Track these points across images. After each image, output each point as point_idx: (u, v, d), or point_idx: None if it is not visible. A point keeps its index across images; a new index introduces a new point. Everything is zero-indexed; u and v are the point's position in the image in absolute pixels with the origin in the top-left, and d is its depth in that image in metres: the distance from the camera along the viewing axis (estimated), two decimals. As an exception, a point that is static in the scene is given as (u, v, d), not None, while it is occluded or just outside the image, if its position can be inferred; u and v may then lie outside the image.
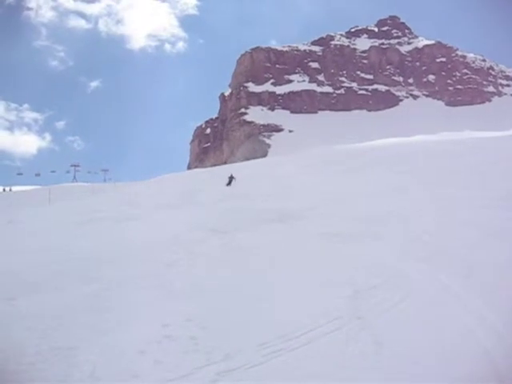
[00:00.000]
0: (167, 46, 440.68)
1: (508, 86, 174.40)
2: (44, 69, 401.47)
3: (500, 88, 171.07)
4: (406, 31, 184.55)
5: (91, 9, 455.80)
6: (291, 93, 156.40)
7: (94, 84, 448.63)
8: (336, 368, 6.59)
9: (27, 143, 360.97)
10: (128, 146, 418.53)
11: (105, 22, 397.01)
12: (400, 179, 25.70)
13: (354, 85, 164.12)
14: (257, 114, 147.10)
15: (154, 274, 11.81)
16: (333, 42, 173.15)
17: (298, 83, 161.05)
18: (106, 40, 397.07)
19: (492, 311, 7.98)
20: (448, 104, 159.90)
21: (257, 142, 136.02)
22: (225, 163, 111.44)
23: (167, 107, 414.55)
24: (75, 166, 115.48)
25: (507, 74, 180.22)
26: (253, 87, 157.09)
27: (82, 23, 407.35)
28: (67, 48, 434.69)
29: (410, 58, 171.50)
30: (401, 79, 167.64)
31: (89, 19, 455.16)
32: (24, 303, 9.81)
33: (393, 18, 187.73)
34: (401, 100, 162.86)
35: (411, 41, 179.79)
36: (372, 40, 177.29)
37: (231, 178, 38.13)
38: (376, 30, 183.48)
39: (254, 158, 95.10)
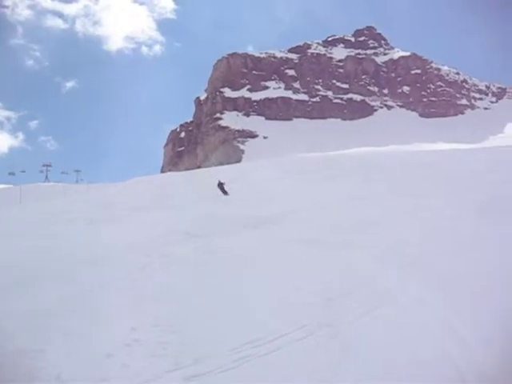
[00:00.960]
0: (144, 49, 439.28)
1: (481, 99, 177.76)
2: (19, 68, 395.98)
3: (473, 101, 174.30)
4: (383, 42, 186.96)
5: (68, 9, 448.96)
6: (267, 99, 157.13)
7: (69, 84, 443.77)
8: (305, 374, 6.58)
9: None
10: (102, 147, 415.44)
11: (82, 22, 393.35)
12: (376, 188, 25.85)
13: (330, 93, 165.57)
14: (232, 120, 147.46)
15: (126, 277, 11.68)
16: (309, 50, 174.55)
17: (274, 90, 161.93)
18: (83, 40, 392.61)
19: (461, 322, 8.02)
20: (422, 115, 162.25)
21: (231, 148, 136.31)
22: (199, 167, 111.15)
23: (142, 110, 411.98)
24: (47, 165, 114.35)
25: (480, 87, 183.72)
26: (229, 92, 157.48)
27: (58, 23, 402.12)
28: (43, 47, 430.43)
29: (385, 69, 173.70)
30: (376, 89, 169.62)
31: (66, 19, 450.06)
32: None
33: (369, 28, 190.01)
34: (375, 110, 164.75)
35: (387, 52, 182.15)
36: (348, 49, 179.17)
37: (221, 185, 31.42)
38: (353, 39, 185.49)
39: (228, 163, 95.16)
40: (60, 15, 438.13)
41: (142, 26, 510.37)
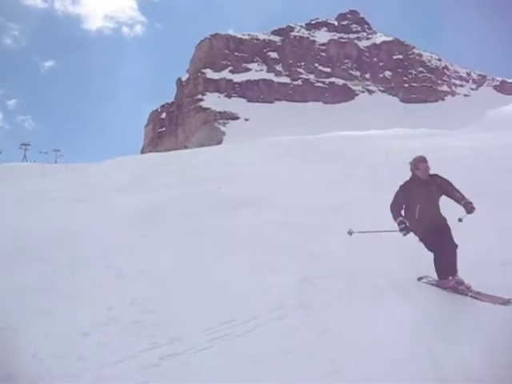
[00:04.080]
0: (125, 29, 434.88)
1: (461, 86, 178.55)
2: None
3: (453, 88, 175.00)
4: (365, 26, 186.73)
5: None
6: (249, 81, 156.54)
7: (48, 64, 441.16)
8: (281, 353, 6.66)
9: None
10: (81, 127, 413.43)
11: (61, 0, 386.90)
12: (353, 172, 25.95)
13: (312, 77, 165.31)
14: (213, 101, 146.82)
15: (104, 257, 11.62)
16: (292, 33, 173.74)
17: (256, 72, 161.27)
18: (62, 19, 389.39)
19: (439, 310, 8.15)
20: (403, 100, 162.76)
21: (212, 129, 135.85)
22: (179, 149, 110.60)
23: (123, 90, 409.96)
24: (25, 145, 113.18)
25: (461, 74, 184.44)
26: (210, 74, 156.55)
27: (37, 1, 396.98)
28: (22, 26, 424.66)
29: (367, 54, 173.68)
30: (358, 74, 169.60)
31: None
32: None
33: (353, 12, 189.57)
34: (357, 94, 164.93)
35: (370, 36, 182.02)
36: (331, 33, 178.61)
37: None
38: (336, 23, 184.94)
39: (208, 145, 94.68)
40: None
41: (122, 6, 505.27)
